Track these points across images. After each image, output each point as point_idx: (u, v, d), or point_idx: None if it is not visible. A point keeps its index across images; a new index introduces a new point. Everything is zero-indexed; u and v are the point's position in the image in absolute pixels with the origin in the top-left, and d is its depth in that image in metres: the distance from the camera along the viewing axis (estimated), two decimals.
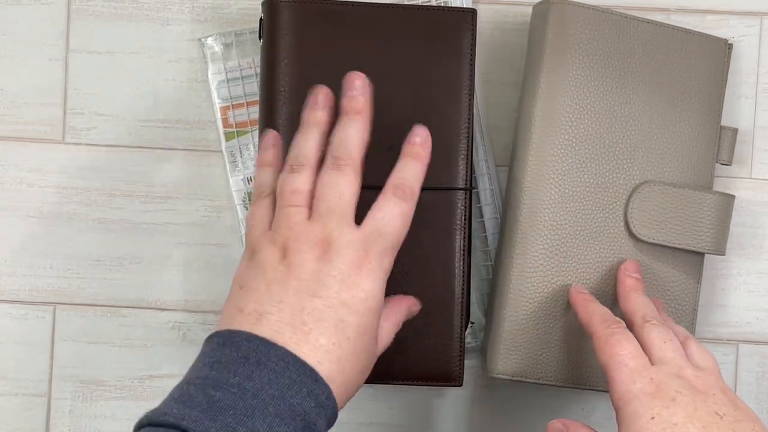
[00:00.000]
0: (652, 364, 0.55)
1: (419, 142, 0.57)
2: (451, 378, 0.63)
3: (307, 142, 0.56)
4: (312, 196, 0.55)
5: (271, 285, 0.52)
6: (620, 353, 0.55)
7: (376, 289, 0.53)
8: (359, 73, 0.57)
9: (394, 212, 0.54)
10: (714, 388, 0.54)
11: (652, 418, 0.51)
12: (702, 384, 0.54)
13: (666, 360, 0.55)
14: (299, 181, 0.55)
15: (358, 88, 0.56)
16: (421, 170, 0.56)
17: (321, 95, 0.57)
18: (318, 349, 0.51)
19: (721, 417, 0.51)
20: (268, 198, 0.57)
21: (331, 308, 0.52)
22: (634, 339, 0.56)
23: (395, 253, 0.55)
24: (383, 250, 0.54)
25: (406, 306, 0.59)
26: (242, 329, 0.51)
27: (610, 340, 0.56)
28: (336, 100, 0.58)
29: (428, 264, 0.63)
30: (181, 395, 0.49)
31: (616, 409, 0.54)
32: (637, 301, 0.60)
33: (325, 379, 0.50)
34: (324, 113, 0.57)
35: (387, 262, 0.54)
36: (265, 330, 0.51)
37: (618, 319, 0.58)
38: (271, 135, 0.60)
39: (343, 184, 0.54)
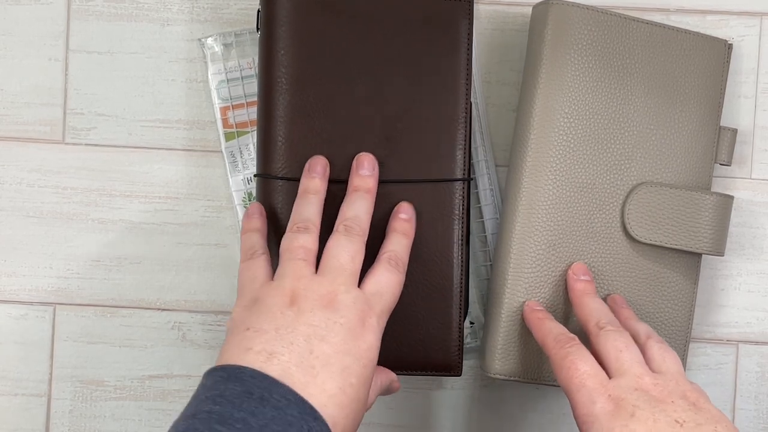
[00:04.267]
0: (610, 376, 0.55)
1: (406, 218, 0.61)
2: (449, 367, 0.63)
3: (310, 208, 0.59)
4: (316, 256, 0.57)
5: (280, 328, 0.53)
6: (576, 375, 0.55)
7: (376, 344, 0.56)
8: (369, 155, 0.61)
9: (392, 280, 0.58)
10: (673, 395, 0.54)
11: None
12: (661, 391, 0.54)
13: (623, 370, 0.55)
14: (307, 240, 0.57)
15: (369, 168, 0.61)
16: (409, 244, 0.61)
17: (320, 165, 0.61)
18: (323, 393, 0.52)
19: (681, 425, 0.52)
20: (262, 256, 0.59)
21: (338, 354, 0.53)
22: (589, 356, 0.56)
23: (389, 315, 0.58)
24: (382, 310, 0.57)
25: (389, 378, 0.61)
26: (250, 366, 0.52)
27: (564, 362, 0.56)
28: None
29: (427, 254, 0.63)
30: (186, 429, 0.49)
31: (579, 430, 0.54)
32: (589, 307, 0.61)
33: (328, 422, 0.51)
34: (322, 182, 0.61)
35: (383, 322, 0.57)
36: (275, 369, 0.52)
37: (572, 336, 0.58)
38: (256, 205, 0.63)
39: (355, 249, 0.57)
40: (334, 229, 0.58)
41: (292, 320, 0.54)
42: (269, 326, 0.53)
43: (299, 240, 0.57)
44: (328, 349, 0.53)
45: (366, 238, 0.58)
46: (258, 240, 0.60)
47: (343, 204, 0.60)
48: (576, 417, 0.55)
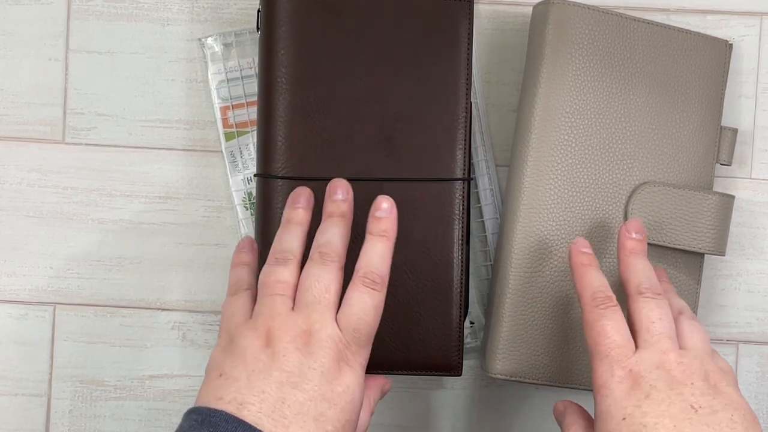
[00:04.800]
0: (637, 344, 0.54)
1: (384, 216, 0.58)
2: (449, 367, 0.63)
3: (291, 238, 0.58)
4: (295, 288, 0.55)
5: (252, 375, 0.52)
6: (604, 342, 0.54)
7: (356, 382, 0.54)
8: (342, 180, 0.59)
9: (367, 306, 0.55)
10: (694, 375, 0.53)
11: (624, 419, 0.52)
12: (682, 372, 0.53)
13: (651, 342, 0.54)
14: (284, 273, 0.56)
15: (342, 194, 0.59)
16: (388, 249, 0.57)
17: (304, 196, 0.59)
18: None
19: (696, 410, 0.51)
20: (246, 291, 0.58)
21: (312, 401, 0.52)
22: (621, 322, 0.55)
23: (371, 342, 0.56)
24: (360, 345, 0.55)
25: (378, 386, 0.60)
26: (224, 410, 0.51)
27: (596, 324, 0.55)
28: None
29: (427, 254, 0.63)
30: None
31: (594, 399, 0.54)
32: (635, 268, 0.58)
33: None
34: (306, 213, 0.59)
35: (365, 354, 0.55)
36: (245, 419, 0.50)
37: (609, 295, 0.56)
38: (247, 240, 0.62)
39: (329, 279, 0.55)
40: (309, 257, 0.57)
41: (265, 365, 0.52)
42: (241, 373, 0.52)
43: (276, 274, 0.56)
44: (301, 397, 0.51)
45: (342, 263, 0.56)
46: (244, 275, 0.59)
47: (317, 231, 0.58)
48: (594, 383, 0.54)
